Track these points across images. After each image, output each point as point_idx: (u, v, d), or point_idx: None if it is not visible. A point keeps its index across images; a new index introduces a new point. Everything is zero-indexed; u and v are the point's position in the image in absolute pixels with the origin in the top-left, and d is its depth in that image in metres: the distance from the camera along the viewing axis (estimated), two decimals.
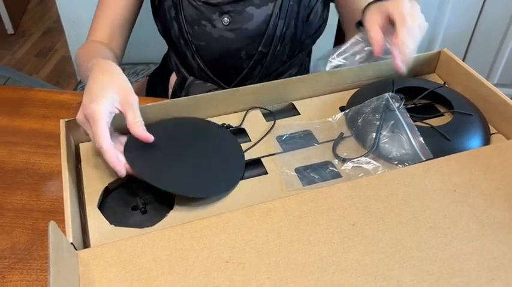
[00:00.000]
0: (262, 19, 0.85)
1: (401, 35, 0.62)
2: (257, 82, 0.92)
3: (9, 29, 2.49)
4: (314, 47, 1.03)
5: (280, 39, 0.88)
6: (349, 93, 0.75)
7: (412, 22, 0.63)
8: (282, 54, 0.90)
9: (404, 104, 0.67)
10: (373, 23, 0.66)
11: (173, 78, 0.99)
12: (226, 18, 0.85)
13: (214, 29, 0.86)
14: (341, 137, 0.67)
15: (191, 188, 0.59)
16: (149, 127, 0.65)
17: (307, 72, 1.05)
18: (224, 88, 0.94)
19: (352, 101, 0.73)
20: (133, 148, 0.62)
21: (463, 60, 1.84)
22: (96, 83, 0.60)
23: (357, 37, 0.71)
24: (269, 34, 0.87)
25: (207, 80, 0.94)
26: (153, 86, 1.12)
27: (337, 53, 0.71)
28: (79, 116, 0.60)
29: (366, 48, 0.70)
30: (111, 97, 0.59)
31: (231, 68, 0.91)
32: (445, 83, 0.79)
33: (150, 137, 0.60)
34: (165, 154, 0.63)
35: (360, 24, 0.75)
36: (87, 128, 0.59)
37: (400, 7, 0.64)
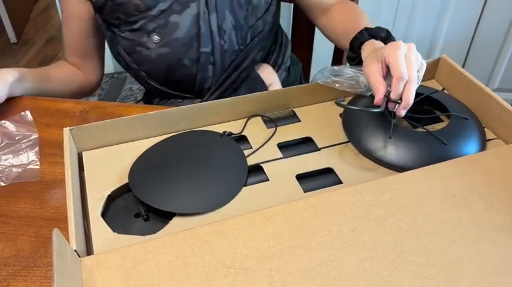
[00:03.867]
0: (189, 22, 0.85)
1: (405, 91, 0.62)
2: (219, 80, 0.92)
3: (12, 38, 2.50)
4: (314, 53, 1.03)
5: (220, 33, 0.87)
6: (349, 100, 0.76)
7: (411, 72, 0.62)
8: (230, 45, 0.89)
9: None
10: (375, 72, 0.65)
11: None
12: (155, 36, 0.86)
13: (148, 50, 0.87)
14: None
15: (191, 205, 0.59)
16: (151, 149, 0.66)
17: (311, 60, 1.05)
18: (192, 99, 0.95)
19: (349, 108, 0.73)
20: (138, 170, 0.64)
21: (463, 65, 1.85)
22: None
23: (354, 71, 0.72)
24: (204, 33, 0.86)
25: (169, 97, 0.96)
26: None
27: (334, 77, 0.73)
28: None
29: (361, 87, 0.71)
30: None
31: (183, 78, 0.92)
32: (443, 89, 0.79)
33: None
34: (168, 173, 0.63)
35: (351, 59, 0.76)
36: None
37: (398, 58, 0.62)
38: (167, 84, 0.93)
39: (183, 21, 0.85)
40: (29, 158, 0.72)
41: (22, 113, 0.82)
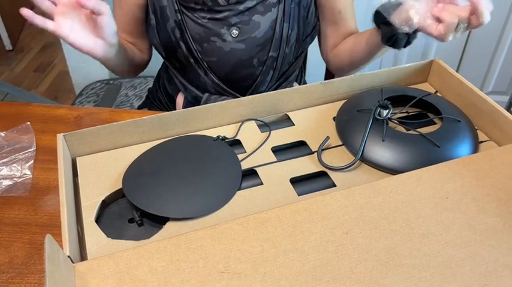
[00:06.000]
0: (268, 25, 0.87)
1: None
2: (269, 87, 0.95)
3: (8, 45, 2.51)
4: (309, 54, 1.04)
5: (287, 41, 0.90)
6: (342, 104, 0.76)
7: None
8: (289, 56, 0.92)
9: (393, 113, 0.68)
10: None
11: (180, 99, 1.00)
12: (235, 31, 0.87)
13: (224, 43, 0.88)
14: (326, 140, 0.68)
15: (185, 210, 0.59)
16: (145, 154, 0.66)
17: (305, 72, 1.07)
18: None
19: (342, 111, 0.74)
20: (132, 175, 0.64)
21: (458, 68, 1.86)
22: None
23: None
24: (276, 38, 0.89)
25: (222, 93, 0.96)
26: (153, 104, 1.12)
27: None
28: None
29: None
30: None
31: (245, 77, 0.93)
32: (436, 91, 0.80)
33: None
34: (162, 178, 0.63)
35: (386, 40, 0.78)
36: None
37: None
38: (225, 79, 0.93)
39: (264, 22, 0.87)
40: (22, 171, 0.72)
41: (23, 124, 0.81)
